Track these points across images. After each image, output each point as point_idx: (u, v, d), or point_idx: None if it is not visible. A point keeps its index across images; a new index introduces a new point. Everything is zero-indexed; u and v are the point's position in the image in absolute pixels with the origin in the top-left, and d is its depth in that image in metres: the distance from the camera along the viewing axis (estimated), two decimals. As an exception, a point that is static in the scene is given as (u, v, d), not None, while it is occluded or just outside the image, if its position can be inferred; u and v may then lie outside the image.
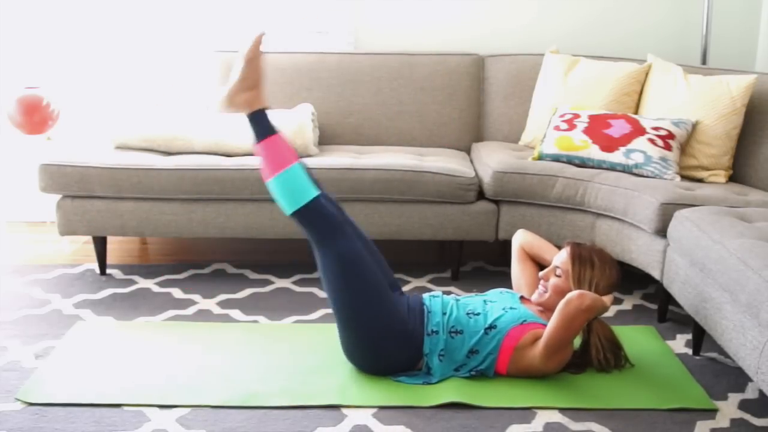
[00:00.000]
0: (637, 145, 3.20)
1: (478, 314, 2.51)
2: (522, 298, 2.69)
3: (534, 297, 2.63)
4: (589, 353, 2.56)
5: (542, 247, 2.82)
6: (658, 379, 2.54)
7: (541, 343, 2.43)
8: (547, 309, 2.59)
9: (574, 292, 2.38)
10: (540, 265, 2.82)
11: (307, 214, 2.41)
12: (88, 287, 3.25)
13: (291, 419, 2.27)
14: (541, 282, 2.62)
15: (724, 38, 4.04)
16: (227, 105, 2.46)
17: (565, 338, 2.40)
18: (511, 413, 2.32)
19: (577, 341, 2.61)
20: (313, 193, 2.42)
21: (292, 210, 2.41)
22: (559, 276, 2.57)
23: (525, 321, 2.48)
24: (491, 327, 2.47)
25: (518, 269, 2.84)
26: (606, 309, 2.48)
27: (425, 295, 2.62)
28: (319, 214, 2.42)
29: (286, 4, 4.02)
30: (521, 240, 2.86)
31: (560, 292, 2.54)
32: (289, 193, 2.41)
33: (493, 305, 2.56)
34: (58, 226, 3.30)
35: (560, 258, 2.60)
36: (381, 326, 2.43)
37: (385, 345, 2.45)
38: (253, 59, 2.43)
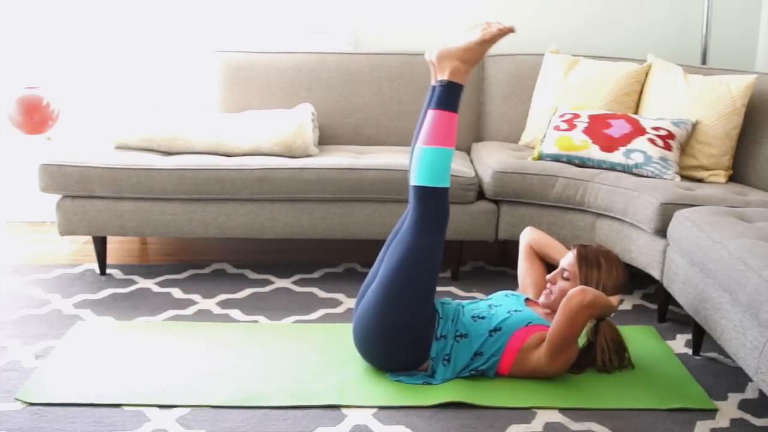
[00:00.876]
0: (637, 145, 3.20)
1: (483, 318, 2.51)
2: (527, 300, 2.69)
3: (541, 299, 2.62)
4: (592, 354, 2.56)
5: (550, 245, 2.80)
6: (658, 379, 2.54)
7: (545, 342, 2.42)
8: (554, 311, 2.58)
9: (576, 288, 2.38)
10: (548, 263, 2.82)
11: (434, 196, 2.42)
12: (88, 287, 3.25)
13: (291, 419, 2.27)
14: (548, 284, 2.61)
15: (724, 38, 4.04)
16: (438, 59, 2.46)
17: (568, 336, 2.39)
18: (511, 413, 2.32)
19: (582, 340, 2.61)
20: (448, 183, 2.45)
21: (427, 184, 2.41)
22: (567, 279, 2.56)
23: (530, 323, 2.48)
24: (496, 329, 2.47)
25: (525, 267, 2.83)
26: (613, 309, 2.48)
27: (436, 301, 2.61)
28: (441, 203, 2.44)
29: (286, 4, 4.02)
30: (529, 238, 2.85)
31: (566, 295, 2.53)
32: (435, 169, 2.41)
33: (498, 309, 2.56)
34: (58, 226, 3.30)
35: (567, 261, 2.59)
36: (411, 323, 2.43)
37: (403, 340, 2.44)
38: (488, 42, 2.44)
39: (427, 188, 2.41)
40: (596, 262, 2.55)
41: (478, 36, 2.45)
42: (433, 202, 2.43)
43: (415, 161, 2.45)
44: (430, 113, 2.45)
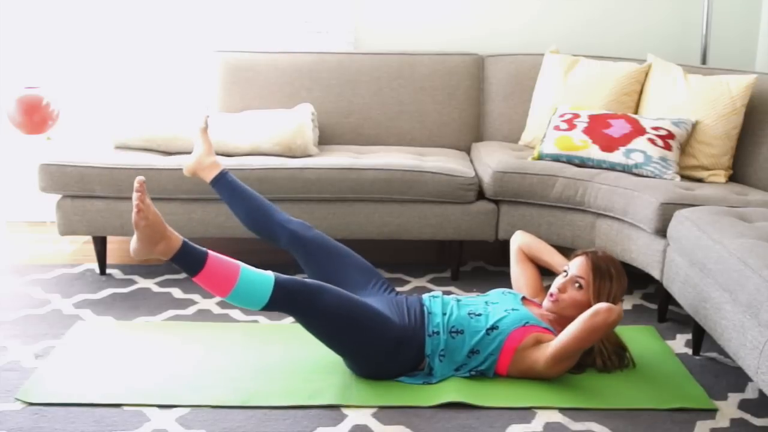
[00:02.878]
0: (637, 145, 3.20)
1: (479, 315, 2.51)
2: (524, 299, 2.69)
3: (545, 304, 2.60)
4: (592, 356, 2.56)
5: (541, 248, 2.82)
6: (658, 379, 2.54)
7: (551, 348, 2.41)
8: (561, 317, 2.56)
9: (603, 305, 2.35)
10: (539, 266, 2.83)
11: (275, 303, 2.33)
12: (88, 287, 3.25)
13: (291, 419, 2.27)
14: (556, 291, 2.58)
15: (724, 38, 4.03)
16: (144, 258, 2.36)
17: (579, 348, 2.40)
18: (511, 413, 2.32)
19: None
20: (270, 281, 2.32)
21: (261, 307, 2.33)
22: (580, 287, 2.54)
23: (527, 323, 2.48)
24: (493, 328, 2.47)
25: (518, 270, 2.84)
26: (621, 318, 2.48)
27: (425, 296, 2.61)
28: (286, 296, 2.33)
29: (287, 4, 4.02)
30: (520, 242, 2.86)
31: (578, 305, 2.52)
32: (250, 299, 2.32)
33: (495, 306, 2.56)
34: (58, 226, 3.30)
35: (580, 269, 2.56)
36: (382, 352, 2.43)
37: (389, 363, 2.45)
38: (139, 221, 2.25)
39: (265, 309, 2.33)
40: (608, 273, 2.54)
41: (135, 228, 2.28)
42: (281, 304, 2.34)
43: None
44: (195, 282, 2.34)
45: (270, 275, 2.34)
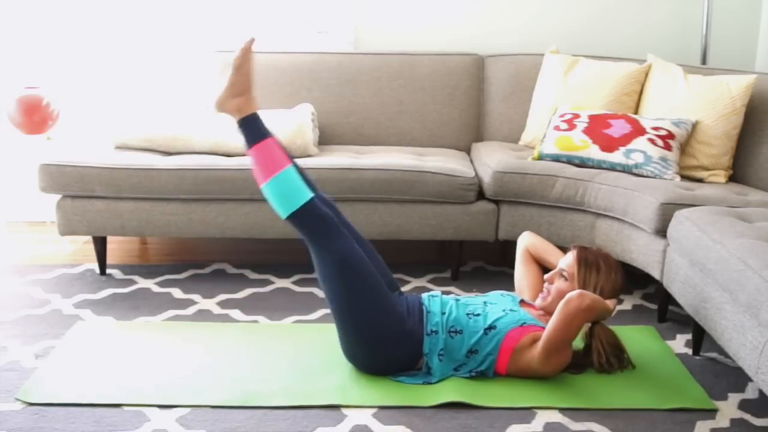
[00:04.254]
0: (637, 145, 3.20)
1: (477, 315, 2.51)
2: (522, 301, 2.70)
3: (538, 302, 2.62)
4: (590, 357, 2.56)
5: (547, 250, 2.82)
6: (658, 379, 2.54)
7: (539, 343, 2.43)
8: (549, 313, 2.58)
9: (575, 292, 2.38)
10: (544, 268, 2.83)
11: (302, 216, 2.40)
12: (88, 287, 3.25)
13: (291, 419, 2.27)
14: (545, 285, 2.62)
15: (724, 38, 4.04)
16: (218, 110, 2.46)
17: (563, 339, 2.40)
18: (511, 413, 2.32)
19: (580, 344, 2.61)
20: (307, 195, 2.40)
21: (287, 213, 2.40)
22: (565, 279, 2.57)
23: (524, 323, 2.48)
24: (491, 327, 2.47)
25: (522, 271, 2.85)
26: (609, 313, 2.49)
27: (424, 295, 2.62)
28: (315, 216, 2.41)
29: (286, 4, 4.02)
30: (527, 242, 2.87)
31: (563, 296, 2.52)
32: (283, 197, 2.39)
33: (493, 306, 2.56)
34: (58, 226, 3.30)
35: (566, 261, 2.60)
36: (379, 326, 2.43)
37: (385, 344, 2.45)
38: (242, 65, 2.43)
39: (291, 215, 2.40)
40: (595, 265, 2.56)
41: (231, 68, 2.44)
42: (305, 220, 2.40)
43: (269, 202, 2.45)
44: (247, 155, 2.46)
45: (310, 193, 2.41)
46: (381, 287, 2.46)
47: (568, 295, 2.38)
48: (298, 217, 2.39)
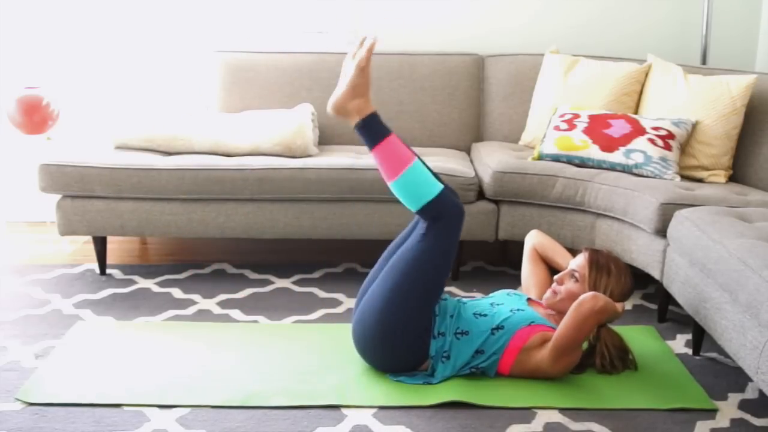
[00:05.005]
0: (637, 145, 3.20)
1: (484, 315, 2.51)
2: (529, 300, 2.69)
3: (545, 298, 2.62)
4: (593, 357, 2.56)
5: (555, 249, 2.82)
6: (658, 379, 2.54)
7: (550, 344, 2.42)
8: (558, 312, 2.59)
9: (588, 294, 2.38)
10: (551, 267, 2.83)
11: (435, 207, 2.39)
12: (88, 287, 3.25)
13: (291, 419, 2.27)
14: (554, 284, 2.61)
15: (724, 38, 4.04)
16: (337, 112, 2.45)
17: (575, 340, 2.40)
18: (511, 413, 2.32)
19: (584, 344, 2.61)
20: (438, 187, 2.41)
21: (420, 206, 2.40)
22: (576, 281, 2.57)
23: (533, 323, 2.48)
24: (498, 327, 2.47)
25: (529, 270, 2.85)
26: (618, 316, 2.49)
27: None
28: (447, 206, 2.41)
29: (286, 4, 4.02)
30: (534, 241, 2.87)
31: (573, 297, 2.53)
32: (414, 192, 2.39)
33: (500, 307, 2.55)
34: (58, 226, 3.30)
35: (577, 263, 2.60)
36: (411, 327, 2.43)
37: (402, 342, 2.44)
38: (366, 67, 2.41)
39: (421, 209, 2.41)
40: (606, 268, 2.56)
41: (354, 69, 2.42)
42: (438, 210, 2.41)
43: (399, 197, 2.45)
44: (372, 155, 2.45)
45: (440, 183, 2.42)
46: (437, 302, 2.48)
47: (581, 297, 2.38)
48: (431, 208, 2.39)
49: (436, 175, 2.50)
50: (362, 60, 2.40)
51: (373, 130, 2.41)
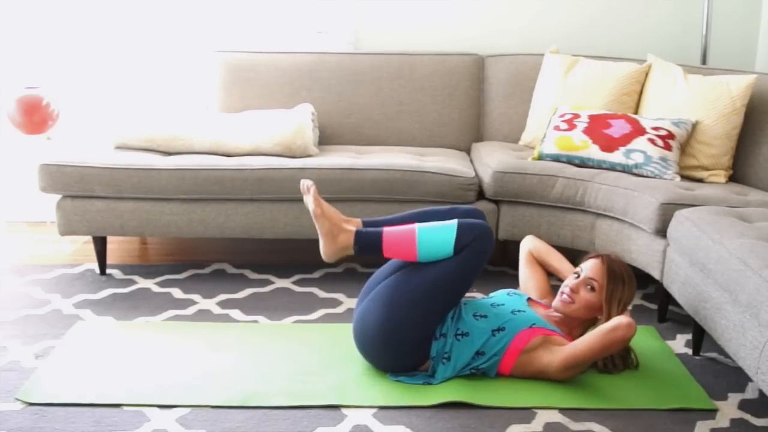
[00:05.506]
0: (637, 145, 3.20)
1: (485, 316, 2.50)
2: (530, 300, 2.69)
3: (554, 304, 2.60)
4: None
5: (550, 254, 2.83)
6: (658, 379, 2.54)
7: (564, 354, 2.41)
8: (569, 318, 2.57)
9: (624, 320, 2.37)
10: (547, 270, 2.84)
11: (463, 240, 2.42)
12: (88, 287, 3.25)
13: (291, 419, 2.27)
14: (568, 291, 2.57)
15: (724, 38, 4.04)
16: (334, 258, 2.49)
17: (594, 358, 2.41)
18: (511, 413, 2.32)
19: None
20: (452, 225, 2.44)
21: (452, 250, 2.43)
22: (592, 289, 2.55)
23: (534, 325, 2.48)
24: (499, 329, 2.47)
25: (527, 273, 2.85)
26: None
27: None
28: (471, 232, 2.44)
29: (286, 4, 4.02)
30: (530, 246, 2.88)
31: (590, 307, 2.54)
32: (438, 248, 2.43)
33: (500, 308, 2.55)
34: (58, 226, 3.30)
35: (595, 271, 2.56)
36: (417, 331, 2.44)
37: (405, 344, 2.44)
38: (321, 212, 2.46)
39: (455, 251, 2.43)
40: (621, 278, 2.55)
41: (315, 221, 2.47)
42: (465, 242, 2.43)
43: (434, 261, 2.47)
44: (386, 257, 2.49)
45: (452, 223, 2.45)
46: (447, 314, 2.49)
47: (617, 322, 2.37)
48: (459, 245, 2.43)
49: (441, 213, 2.56)
50: (314, 210, 2.47)
51: (371, 245, 2.46)
